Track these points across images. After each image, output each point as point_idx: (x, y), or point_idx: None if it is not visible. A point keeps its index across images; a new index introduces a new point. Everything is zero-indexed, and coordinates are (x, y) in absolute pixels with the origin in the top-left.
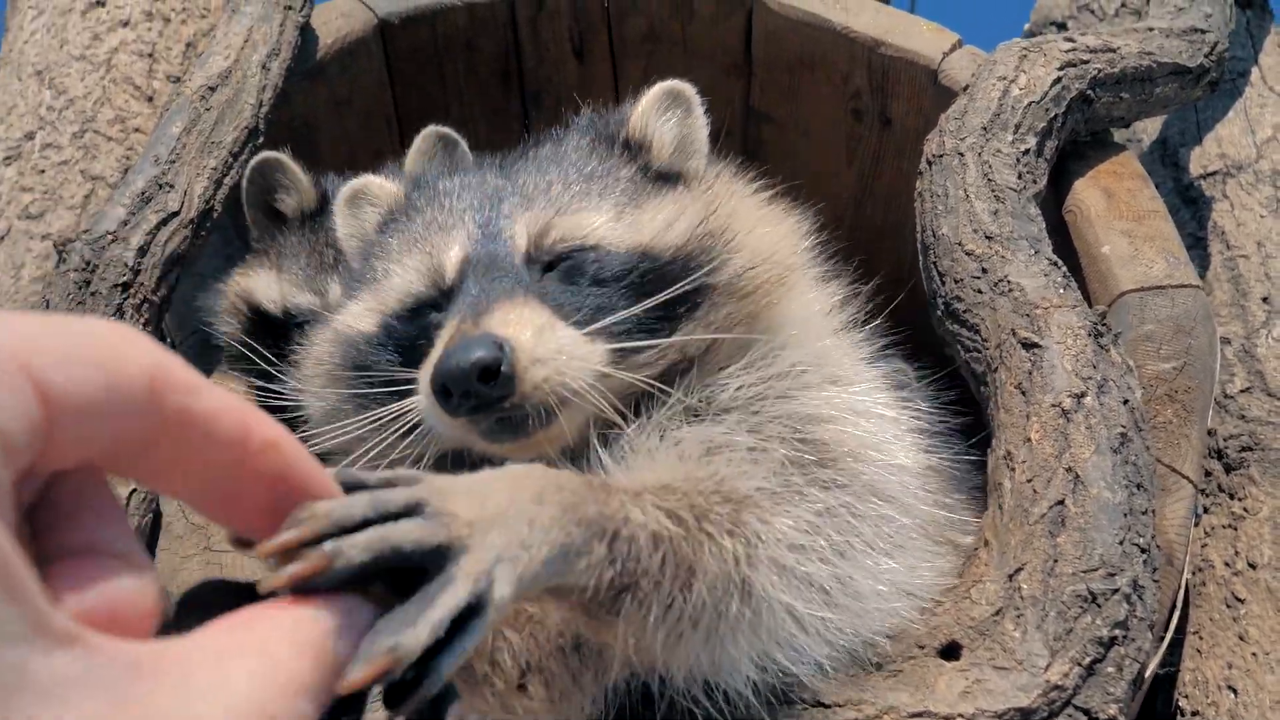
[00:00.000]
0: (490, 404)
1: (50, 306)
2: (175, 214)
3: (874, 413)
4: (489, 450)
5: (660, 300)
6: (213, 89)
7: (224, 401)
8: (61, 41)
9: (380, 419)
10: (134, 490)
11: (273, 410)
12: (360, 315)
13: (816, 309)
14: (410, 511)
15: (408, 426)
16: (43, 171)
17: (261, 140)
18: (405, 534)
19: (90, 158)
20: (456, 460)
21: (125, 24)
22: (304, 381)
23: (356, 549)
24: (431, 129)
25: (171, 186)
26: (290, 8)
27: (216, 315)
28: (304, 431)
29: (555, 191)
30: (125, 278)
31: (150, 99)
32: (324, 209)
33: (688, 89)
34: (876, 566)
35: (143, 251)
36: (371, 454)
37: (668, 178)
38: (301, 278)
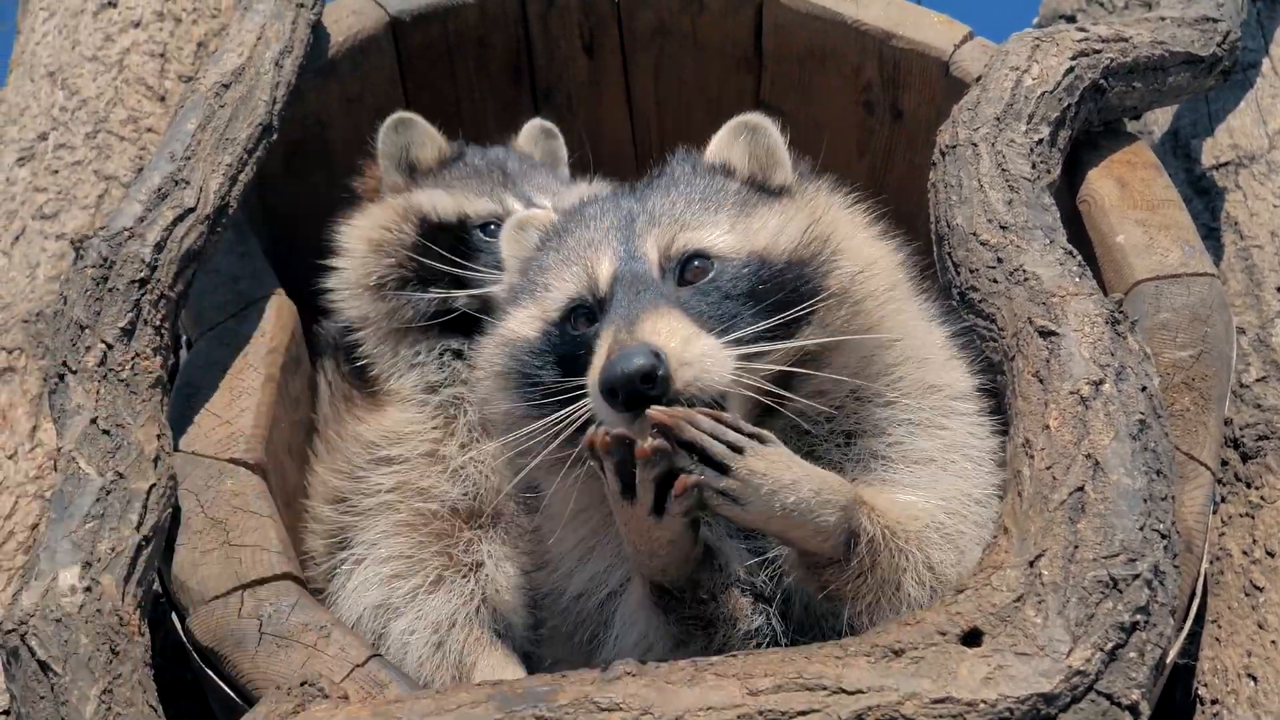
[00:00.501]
0: (648, 402)
1: (68, 303)
2: (191, 210)
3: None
4: None
5: (785, 315)
6: (226, 86)
7: None
8: (73, 43)
9: (558, 420)
10: (153, 485)
11: (456, 316)
12: (524, 322)
13: (924, 322)
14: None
15: (578, 426)
16: (56, 172)
17: (275, 137)
18: (713, 445)
19: (104, 157)
20: None
21: (137, 24)
22: (476, 385)
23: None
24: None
25: (187, 183)
26: (302, 5)
27: (354, 244)
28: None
29: (677, 210)
30: (142, 274)
31: (162, 99)
32: (462, 156)
33: (753, 117)
34: None
35: (159, 248)
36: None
37: (768, 190)
38: (476, 189)
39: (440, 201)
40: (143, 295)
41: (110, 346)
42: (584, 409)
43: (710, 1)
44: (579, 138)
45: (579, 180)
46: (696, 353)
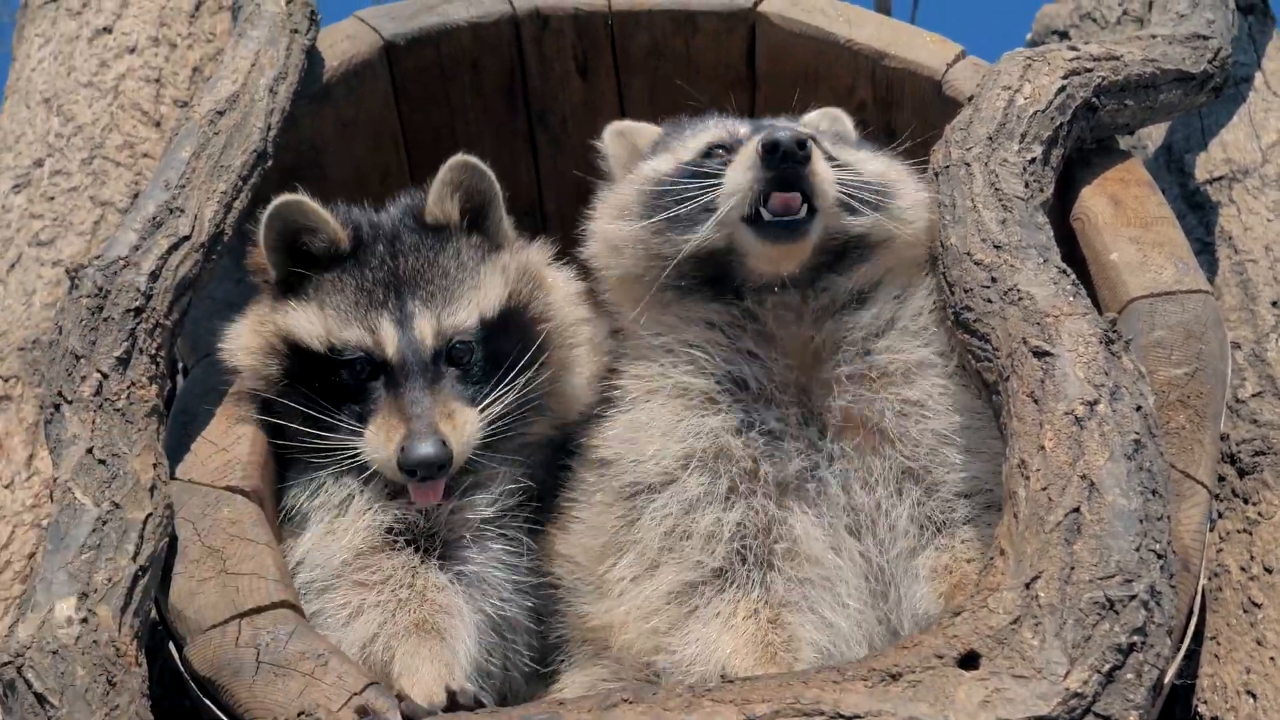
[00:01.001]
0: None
1: (63, 333)
2: (186, 238)
3: None
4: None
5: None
6: (221, 113)
7: None
8: (69, 69)
9: (692, 203)
10: (149, 515)
11: (318, 451)
12: (660, 163)
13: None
14: None
15: (702, 207)
16: (52, 198)
17: (270, 163)
18: None
19: (99, 184)
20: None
21: (132, 50)
22: (601, 220)
23: None
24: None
25: (182, 211)
26: (296, 31)
27: (251, 356)
28: (348, 463)
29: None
30: (137, 303)
31: (158, 124)
32: (361, 246)
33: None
34: None
35: (154, 276)
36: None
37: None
38: (351, 313)
39: (309, 324)
40: (138, 324)
41: (106, 376)
42: (720, 187)
43: (703, 23)
44: (574, 159)
45: (513, 244)
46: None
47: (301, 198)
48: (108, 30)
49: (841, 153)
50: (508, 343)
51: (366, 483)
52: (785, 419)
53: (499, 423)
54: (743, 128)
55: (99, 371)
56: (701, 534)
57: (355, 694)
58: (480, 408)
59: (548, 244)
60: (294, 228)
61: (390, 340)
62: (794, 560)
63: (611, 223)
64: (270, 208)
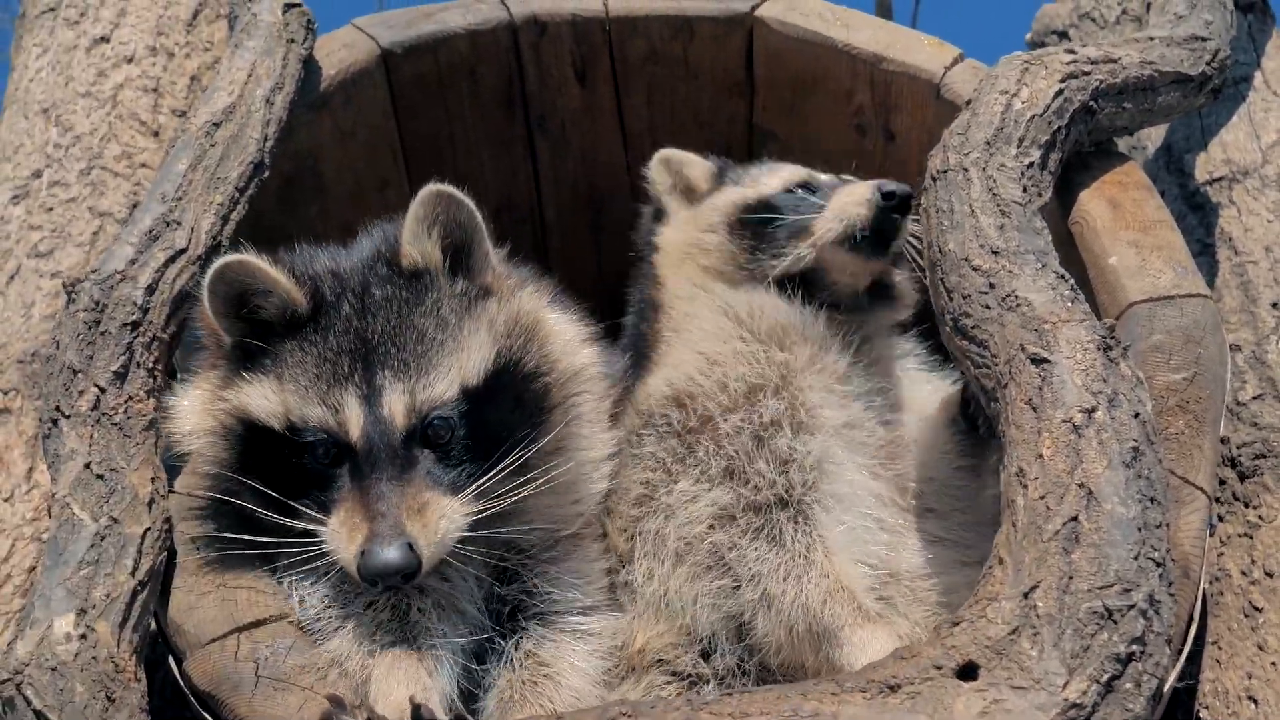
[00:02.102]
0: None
1: (60, 347)
2: (183, 251)
3: None
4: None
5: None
6: (217, 125)
7: None
8: (67, 79)
9: (788, 228)
10: (147, 530)
11: (267, 532)
12: (742, 192)
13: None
14: None
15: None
16: (51, 209)
17: (267, 174)
18: None
19: (98, 194)
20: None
21: (130, 60)
22: (686, 229)
23: None
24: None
25: (178, 224)
26: (293, 40)
27: (202, 439)
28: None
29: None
30: (134, 316)
31: (156, 134)
32: (319, 308)
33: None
34: None
35: (151, 289)
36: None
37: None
38: (312, 389)
39: (265, 401)
40: (135, 338)
41: (103, 390)
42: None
43: (701, 28)
44: (574, 165)
45: (504, 284)
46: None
47: (247, 257)
48: (105, 40)
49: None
50: (498, 411)
51: None
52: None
53: (489, 508)
54: (821, 175)
55: (96, 386)
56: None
57: (355, 706)
58: (463, 496)
59: (544, 284)
60: (240, 290)
61: (355, 421)
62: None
63: (700, 233)
64: (212, 269)
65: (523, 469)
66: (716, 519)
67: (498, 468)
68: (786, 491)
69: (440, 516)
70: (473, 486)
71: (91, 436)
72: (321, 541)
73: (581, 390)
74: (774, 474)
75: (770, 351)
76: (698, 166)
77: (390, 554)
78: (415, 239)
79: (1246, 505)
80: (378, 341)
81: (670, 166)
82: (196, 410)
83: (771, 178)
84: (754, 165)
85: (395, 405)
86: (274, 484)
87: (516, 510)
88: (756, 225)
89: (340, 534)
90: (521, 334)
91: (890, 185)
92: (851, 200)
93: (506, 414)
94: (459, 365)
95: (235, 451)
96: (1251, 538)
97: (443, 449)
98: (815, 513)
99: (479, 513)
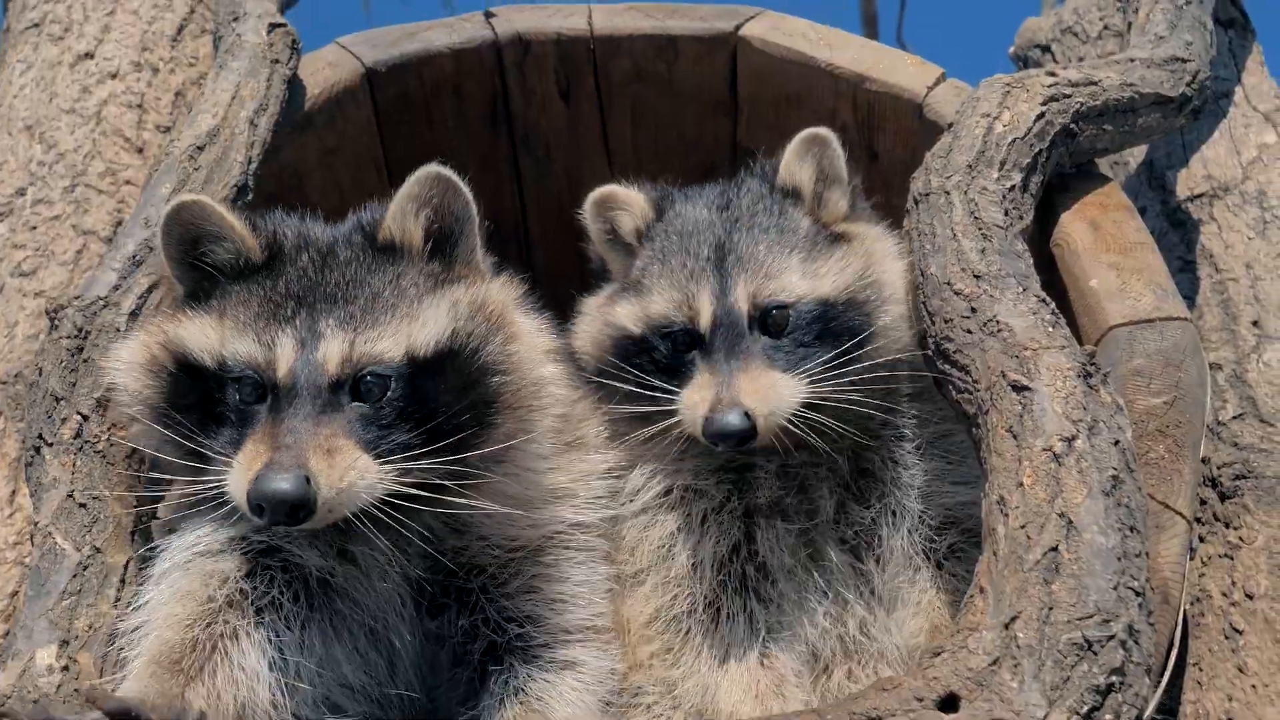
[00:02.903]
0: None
1: (43, 375)
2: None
3: None
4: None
5: (845, 345)
6: (201, 148)
7: None
8: (51, 95)
9: (650, 416)
10: (130, 559)
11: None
12: (628, 318)
13: None
14: None
15: (663, 429)
16: (34, 228)
17: (250, 197)
18: None
19: (82, 212)
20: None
21: (114, 75)
22: (579, 346)
23: None
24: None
25: None
26: (278, 61)
27: (132, 372)
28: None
29: (760, 255)
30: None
31: (140, 150)
32: (276, 258)
33: (824, 133)
34: None
35: (134, 315)
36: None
37: (829, 230)
38: (250, 326)
39: (201, 335)
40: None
41: (86, 418)
42: (674, 420)
43: (685, 47)
44: (558, 183)
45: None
46: (775, 401)
47: (203, 198)
48: (90, 55)
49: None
50: (444, 391)
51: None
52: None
53: (403, 486)
54: (705, 301)
55: (79, 413)
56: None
57: None
58: (384, 461)
59: (515, 279)
60: (195, 234)
61: (285, 359)
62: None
63: (590, 347)
64: (167, 209)
65: (459, 464)
66: None
67: (429, 447)
68: None
69: (350, 466)
70: (397, 456)
71: (74, 465)
72: (221, 485)
73: (541, 404)
74: None
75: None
76: (629, 218)
77: (281, 482)
78: (399, 216)
79: (1227, 526)
80: (329, 294)
81: (603, 211)
82: (134, 347)
83: (660, 296)
84: (670, 252)
85: (331, 350)
86: (191, 426)
87: (458, 520)
88: (616, 371)
89: (239, 465)
90: (485, 322)
91: (718, 425)
92: (689, 414)
93: (451, 397)
94: (408, 332)
95: (160, 389)
96: (1232, 559)
97: (374, 407)
98: None
99: (397, 482)
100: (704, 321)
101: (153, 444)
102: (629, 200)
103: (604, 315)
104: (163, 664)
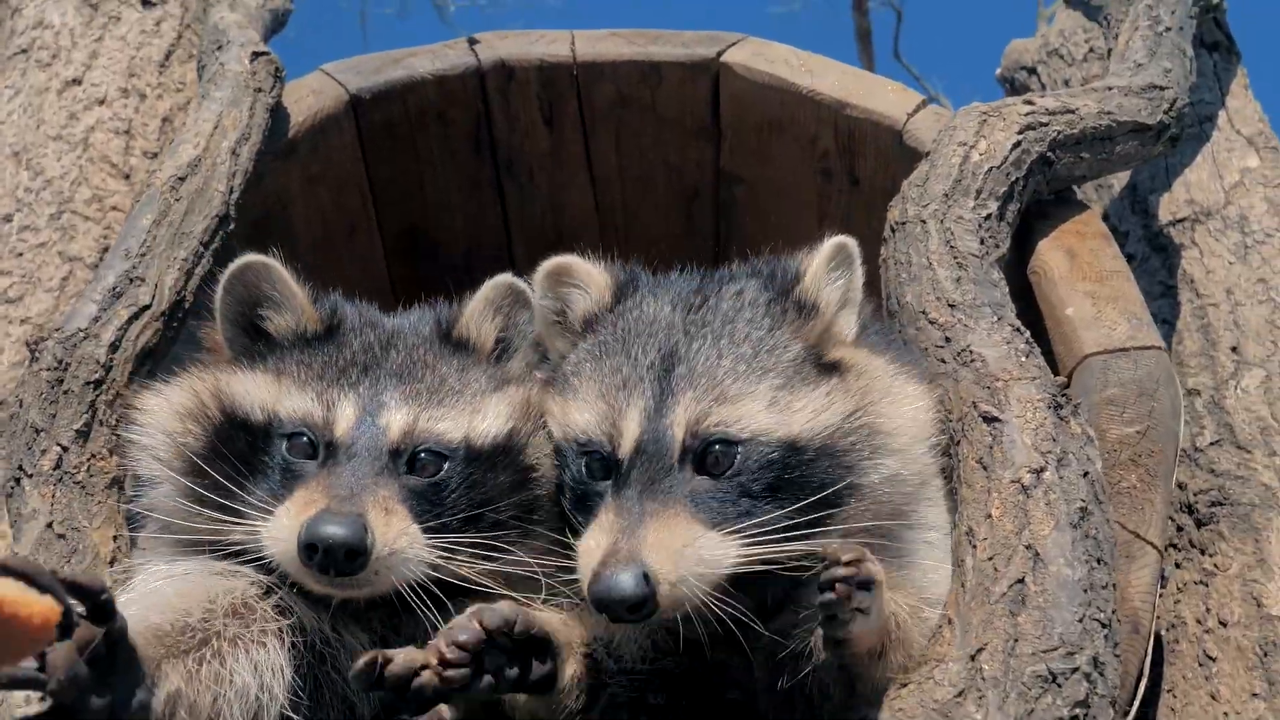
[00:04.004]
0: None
1: (24, 406)
2: (146, 308)
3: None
4: None
5: (803, 504)
6: (182, 179)
7: None
8: (38, 121)
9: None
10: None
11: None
12: (553, 422)
13: (943, 515)
14: None
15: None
16: (20, 254)
17: (233, 227)
18: None
19: (68, 239)
20: None
21: (101, 102)
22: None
23: None
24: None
25: (142, 280)
26: (260, 90)
27: (175, 419)
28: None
29: (721, 369)
30: (97, 375)
31: (127, 176)
32: (335, 331)
33: (853, 246)
34: None
35: (114, 347)
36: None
37: (827, 365)
38: (310, 384)
39: (256, 391)
40: (98, 396)
41: (65, 449)
42: (574, 562)
43: (668, 73)
44: (542, 208)
45: (515, 372)
46: (688, 571)
47: (270, 260)
48: (77, 81)
49: None
50: (489, 485)
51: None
52: None
53: (450, 565)
54: (631, 420)
55: (59, 445)
56: None
57: None
58: (430, 532)
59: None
60: (256, 296)
61: (345, 420)
62: None
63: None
64: (232, 266)
65: (492, 551)
66: None
67: (472, 532)
68: None
69: (404, 531)
70: (444, 534)
71: (54, 496)
72: (256, 538)
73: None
74: None
75: None
76: (583, 300)
77: (338, 526)
78: (479, 316)
79: (1203, 553)
80: (395, 369)
81: (555, 286)
82: (180, 392)
83: (579, 414)
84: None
85: (394, 420)
86: (225, 479)
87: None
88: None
89: (287, 512)
90: (531, 420)
91: (602, 586)
92: (581, 565)
93: (495, 491)
94: (471, 420)
95: (201, 437)
96: (1207, 585)
97: (430, 484)
98: None
99: (441, 559)
100: (625, 445)
101: (169, 499)
102: (588, 278)
103: (547, 409)
104: (142, 630)
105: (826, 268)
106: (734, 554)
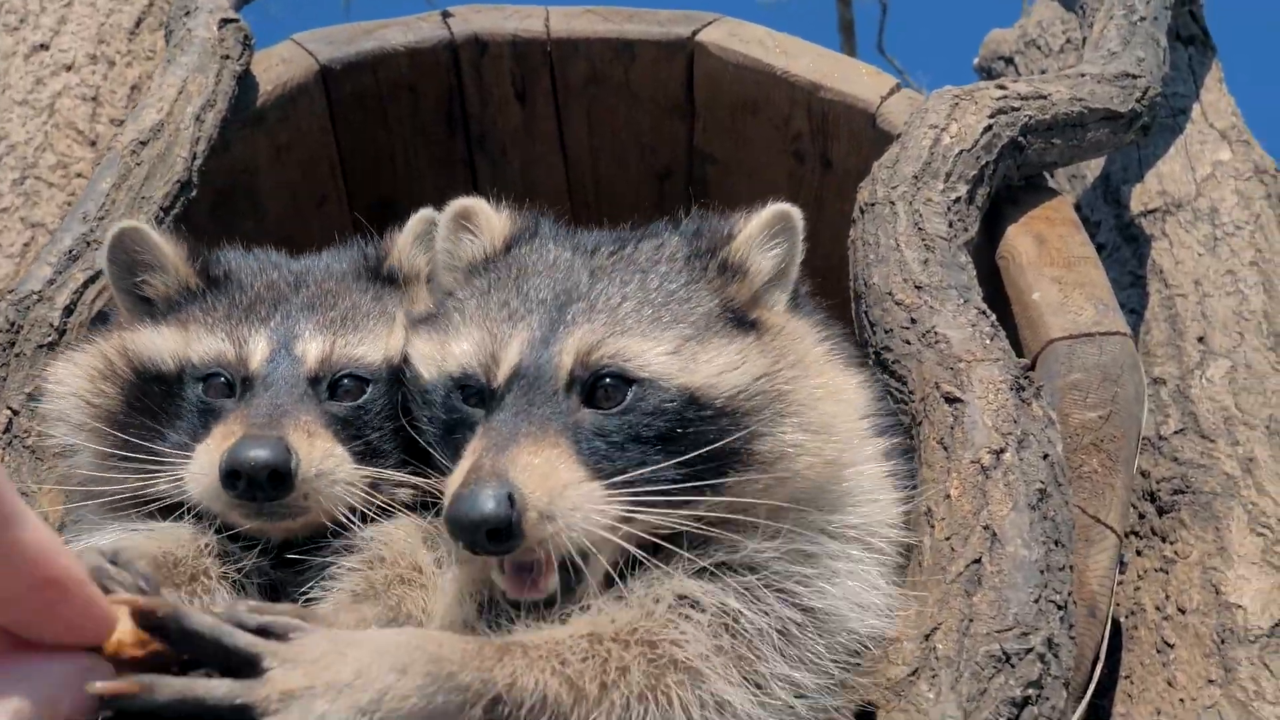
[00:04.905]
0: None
1: None
2: (102, 272)
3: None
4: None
5: (693, 456)
6: (144, 143)
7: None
8: (4, 86)
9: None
10: None
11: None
12: (424, 361)
13: (866, 485)
14: (249, 662)
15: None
16: None
17: (194, 193)
18: (210, 690)
19: (31, 205)
20: None
21: (69, 68)
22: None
23: (166, 690)
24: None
25: (100, 244)
26: (228, 57)
27: (83, 382)
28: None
29: (624, 309)
30: (50, 338)
31: (93, 143)
32: (226, 280)
33: (796, 216)
34: None
35: (69, 311)
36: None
37: (745, 323)
38: (218, 326)
39: (164, 342)
40: (51, 359)
41: (16, 413)
42: (441, 492)
43: (642, 51)
44: (513, 184)
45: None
46: (564, 505)
47: (139, 224)
48: (45, 47)
49: None
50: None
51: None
52: None
53: (379, 493)
54: (513, 347)
55: (9, 408)
56: None
57: None
58: (357, 457)
59: None
60: (134, 262)
61: (259, 353)
62: None
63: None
64: (108, 239)
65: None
66: None
67: (396, 455)
68: None
69: (329, 453)
70: (370, 463)
71: (3, 459)
72: (179, 479)
73: None
74: None
75: None
76: (475, 246)
77: (259, 448)
78: (409, 249)
79: (1164, 540)
80: (308, 303)
81: (457, 230)
82: (88, 356)
83: (462, 338)
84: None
85: (309, 349)
86: (146, 430)
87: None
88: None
89: (207, 448)
90: None
91: (459, 506)
92: (449, 488)
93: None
94: (388, 342)
95: (117, 396)
96: (1167, 573)
97: (353, 408)
98: None
99: (371, 487)
100: (503, 371)
101: (93, 459)
102: (488, 223)
103: (411, 350)
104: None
105: (763, 232)
106: (614, 510)
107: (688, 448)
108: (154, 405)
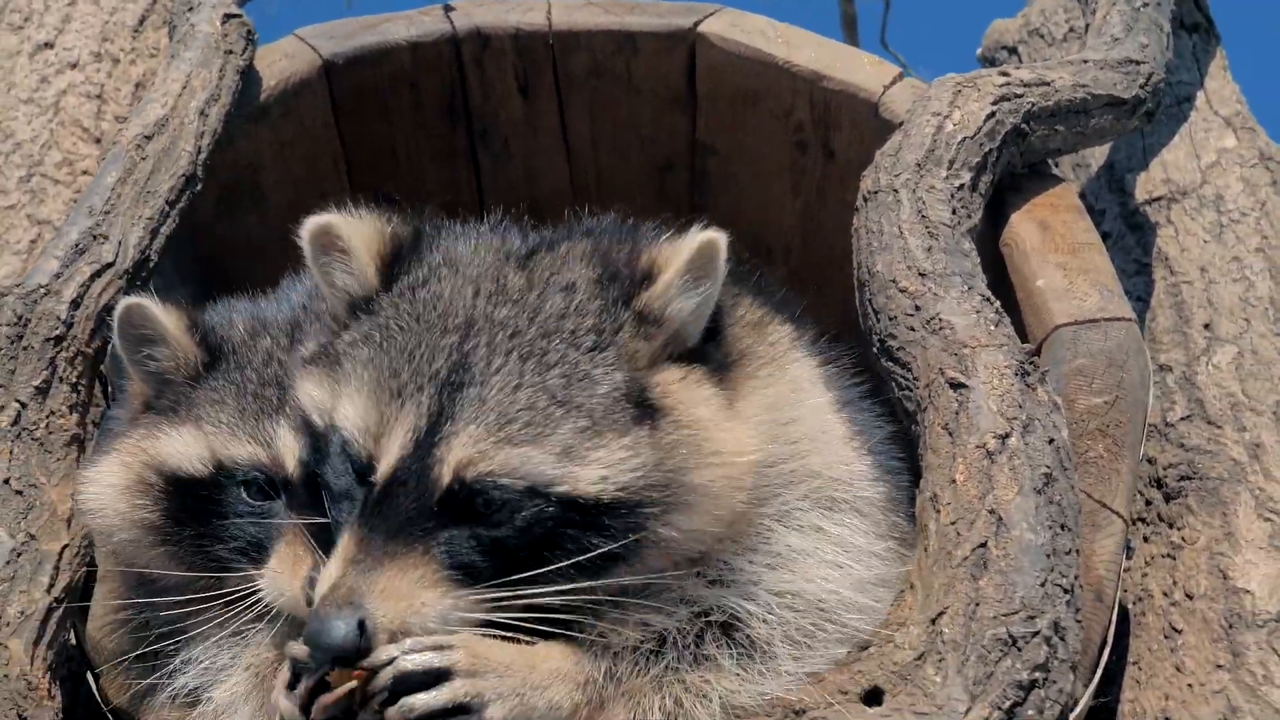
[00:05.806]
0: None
1: None
2: (109, 265)
3: None
4: None
5: (579, 559)
6: (149, 138)
7: None
8: (9, 85)
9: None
10: (65, 546)
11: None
12: (314, 408)
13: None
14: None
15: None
16: None
17: (199, 188)
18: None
19: (37, 202)
20: None
21: (74, 66)
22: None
23: None
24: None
25: (106, 238)
26: (231, 52)
27: (101, 512)
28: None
29: (518, 402)
30: (58, 331)
31: (98, 140)
32: (230, 355)
33: (721, 245)
34: None
35: (76, 304)
36: None
37: (644, 404)
38: (238, 427)
39: (185, 447)
40: (58, 353)
41: (24, 405)
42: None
43: (644, 43)
44: (516, 178)
45: None
46: (418, 625)
47: (142, 300)
48: (49, 45)
49: None
50: None
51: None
52: None
53: None
54: (395, 440)
55: (17, 401)
56: None
57: None
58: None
59: None
60: (140, 338)
61: (290, 457)
62: None
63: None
64: (117, 313)
65: None
66: None
67: None
68: None
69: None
70: None
71: (11, 452)
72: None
73: None
74: None
75: None
76: (347, 278)
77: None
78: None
79: (1171, 526)
80: None
81: (321, 254)
82: (111, 476)
83: (347, 407)
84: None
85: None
86: (200, 544)
87: None
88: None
89: (279, 571)
90: None
91: (314, 627)
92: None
93: None
94: None
95: (156, 512)
96: (1174, 559)
97: None
98: None
99: None
100: (382, 469)
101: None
102: (354, 244)
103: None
104: None
105: (687, 274)
106: (479, 618)
107: (569, 548)
108: (200, 508)
